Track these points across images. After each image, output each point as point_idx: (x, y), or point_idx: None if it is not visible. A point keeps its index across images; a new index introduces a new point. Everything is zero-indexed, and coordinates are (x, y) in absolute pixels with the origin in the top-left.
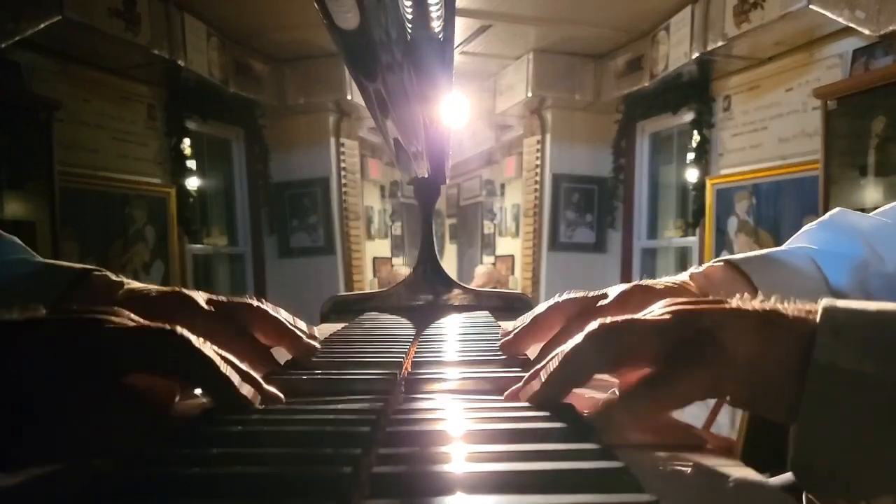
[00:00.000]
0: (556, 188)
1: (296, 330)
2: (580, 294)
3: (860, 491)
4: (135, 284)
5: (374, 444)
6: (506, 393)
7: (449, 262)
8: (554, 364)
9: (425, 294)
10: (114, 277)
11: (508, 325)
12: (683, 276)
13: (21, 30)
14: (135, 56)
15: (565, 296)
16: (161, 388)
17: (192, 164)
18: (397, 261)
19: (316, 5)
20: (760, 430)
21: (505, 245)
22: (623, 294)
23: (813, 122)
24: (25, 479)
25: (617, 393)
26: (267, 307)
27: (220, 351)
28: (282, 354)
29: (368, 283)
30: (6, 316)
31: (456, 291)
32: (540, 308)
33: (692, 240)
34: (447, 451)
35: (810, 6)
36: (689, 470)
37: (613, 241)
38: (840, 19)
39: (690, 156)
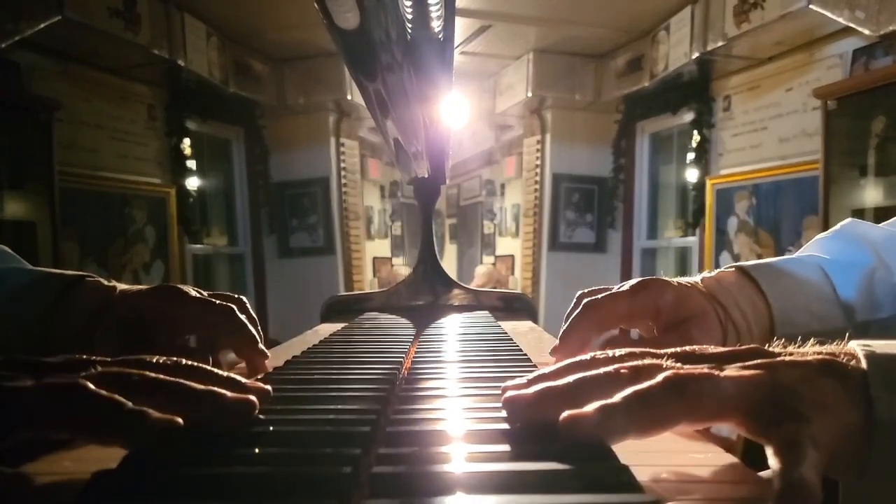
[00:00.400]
0: (556, 188)
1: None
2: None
3: None
4: (129, 287)
5: (374, 444)
6: (505, 390)
7: (449, 262)
8: (618, 399)
9: (425, 294)
10: (105, 283)
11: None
12: (696, 279)
13: (21, 30)
14: (135, 56)
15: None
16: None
17: (192, 164)
18: (397, 261)
19: (316, 5)
20: None
21: (505, 245)
22: (644, 284)
23: (813, 122)
24: (25, 479)
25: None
26: (241, 310)
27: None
28: (278, 357)
29: (368, 283)
30: None
31: (456, 291)
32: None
33: (692, 240)
34: (447, 451)
35: (810, 6)
36: (689, 471)
37: (613, 241)
38: (840, 19)
39: (690, 156)
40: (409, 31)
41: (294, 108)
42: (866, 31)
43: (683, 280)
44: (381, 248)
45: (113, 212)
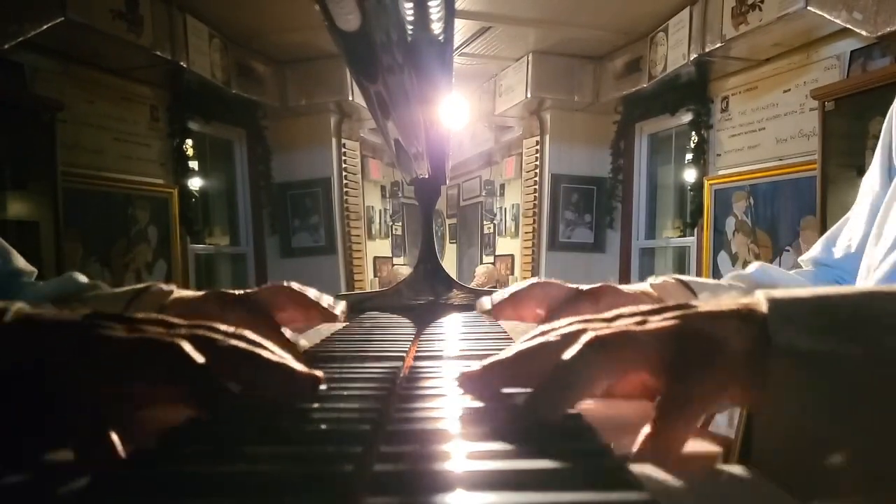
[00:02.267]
0: (555, 188)
1: (321, 302)
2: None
3: (819, 471)
4: (183, 292)
5: (375, 443)
6: (460, 376)
7: (449, 262)
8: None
9: (426, 294)
10: (165, 287)
11: (485, 301)
12: (644, 286)
13: (24, 31)
14: (137, 57)
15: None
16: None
17: (194, 164)
18: (398, 260)
19: (317, 7)
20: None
21: (504, 245)
22: (596, 289)
23: (810, 123)
24: (26, 478)
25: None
26: (293, 285)
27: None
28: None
29: (369, 282)
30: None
31: (456, 291)
32: (521, 284)
33: (690, 240)
34: (448, 449)
35: (808, 8)
36: (689, 471)
37: (612, 240)
38: (838, 21)
39: (689, 156)
40: (410, 32)
41: (296, 109)
42: (864, 33)
43: (634, 287)
44: (381, 247)
45: (116, 212)
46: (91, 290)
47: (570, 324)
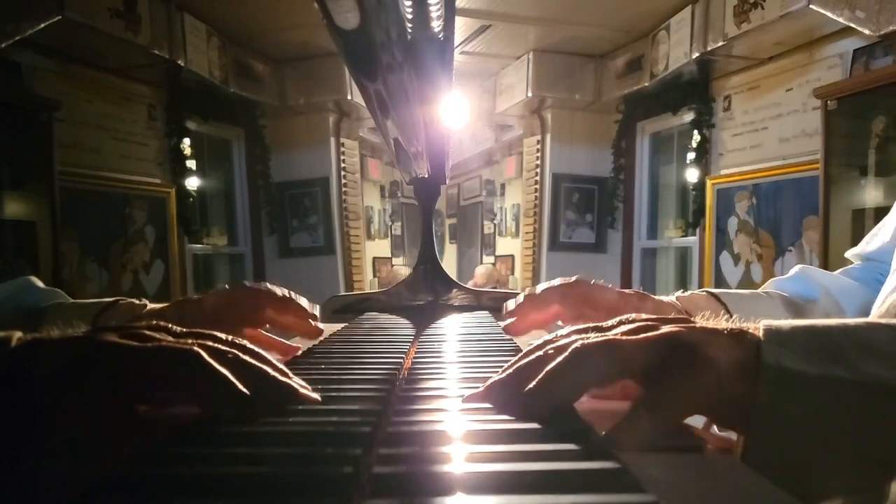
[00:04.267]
0: (556, 188)
1: (300, 303)
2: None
3: (809, 483)
4: (155, 306)
5: (375, 444)
6: (468, 398)
7: (449, 262)
8: (539, 378)
9: (425, 294)
10: (137, 302)
11: (510, 304)
12: (671, 298)
13: (22, 30)
14: (135, 56)
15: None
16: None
17: (192, 164)
18: (397, 261)
19: (316, 5)
20: None
21: (505, 245)
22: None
23: (813, 122)
24: (26, 478)
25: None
26: (273, 289)
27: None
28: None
29: (368, 283)
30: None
31: (456, 291)
32: (538, 288)
33: (692, 240)
34: (447, 451)
35: (810, 6)
36: (690, 471)
37: (613, 240)
38: (840, 19)
39: (690, 156)
40: (410, 31)
41: (294, 108)
42: (866, 31)
43: (661, 299)
44: (381, 247)
45: (113, 212)
46: (50, 300)
47: (569, 334)
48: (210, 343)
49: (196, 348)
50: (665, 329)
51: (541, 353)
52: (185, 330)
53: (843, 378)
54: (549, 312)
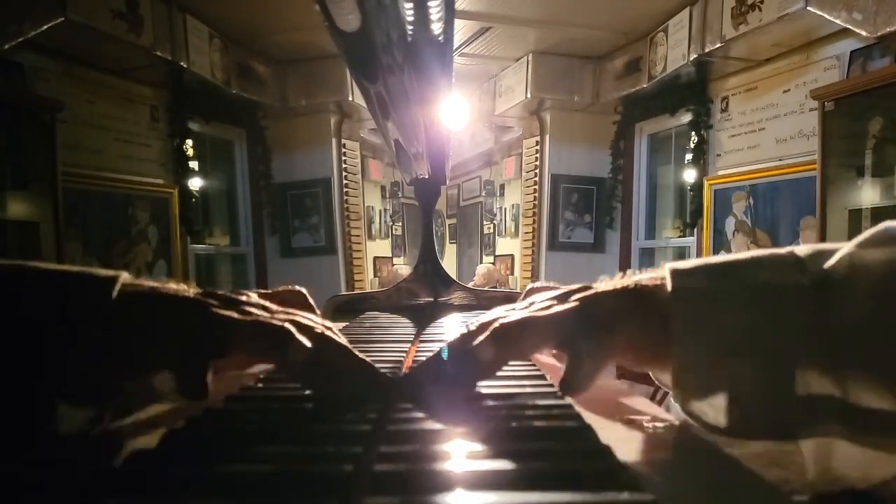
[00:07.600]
0: (554, 189)
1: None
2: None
3: (730, 397)
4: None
5: (375, 443)
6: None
7: (449, 262)
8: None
9: (425, 294)
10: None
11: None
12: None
13: (24, 31)
14: (138, 58)
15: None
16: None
17: (194, 164)
18: (398, 260)
19: (317, 7)
20: None
21: (504, 245)
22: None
23: (810, 123)
24: (29, 475)
25: None
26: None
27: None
28: None
29: (369, 282)
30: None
31: (456, 291)
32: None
33: (690, 240)
34: (447, 449)
35: (808, 8)
36: (689, 471)
37: (612, 241)
38: (837, 21)
39: (688, 156)
40: (410, 33)
41: (296, 109)
42: (863, 33)
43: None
44: (381, 247)
45: (116, 212)
46: None
47: (494, 311)
48: (299, 319)
49: (287, 325)
50: (576, 299)
51: (465, 330)
52: (275, 307)
53: (741, 286)
54: None
